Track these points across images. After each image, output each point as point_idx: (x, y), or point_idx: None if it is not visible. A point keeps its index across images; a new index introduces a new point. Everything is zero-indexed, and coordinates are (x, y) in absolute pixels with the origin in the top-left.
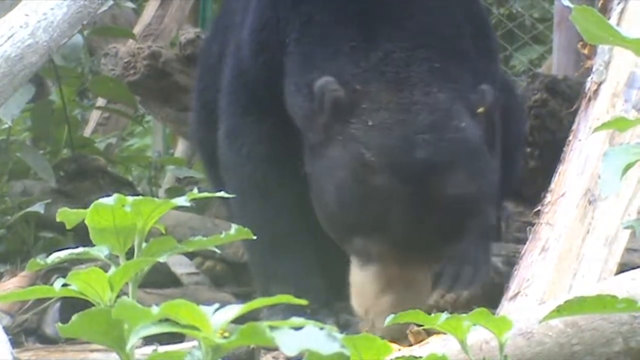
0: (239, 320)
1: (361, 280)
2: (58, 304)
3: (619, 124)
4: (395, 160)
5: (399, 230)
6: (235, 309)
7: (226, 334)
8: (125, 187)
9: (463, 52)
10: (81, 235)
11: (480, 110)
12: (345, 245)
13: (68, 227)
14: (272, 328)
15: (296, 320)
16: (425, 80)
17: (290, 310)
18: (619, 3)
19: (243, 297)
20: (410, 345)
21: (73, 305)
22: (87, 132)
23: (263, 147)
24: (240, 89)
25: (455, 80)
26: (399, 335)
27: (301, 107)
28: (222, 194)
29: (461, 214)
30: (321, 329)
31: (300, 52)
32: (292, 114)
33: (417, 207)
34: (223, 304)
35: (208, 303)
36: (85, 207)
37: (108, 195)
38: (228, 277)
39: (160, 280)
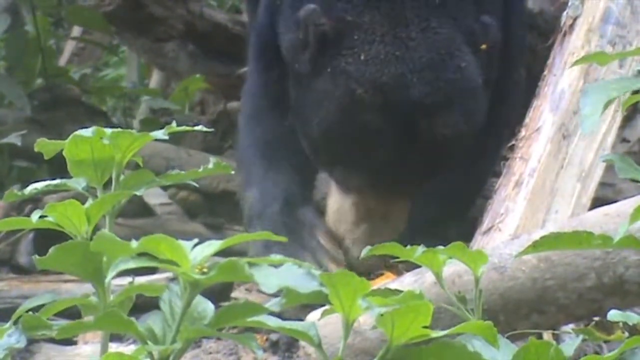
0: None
1: (340, 206)
2: (32, 235)
3: (598, 58)
4: (388, 99)
5: (382, 166)
6: (214, 245)
7: (205, 270)
8: (100, 117)
9: None
10: (55, 165)
11: (484, 46)
12: (326, 171)
13: (46, 157)
14: (251, 265)
15: (275, 257)
16: (423, 16)
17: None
18: None
19: (215, 228)
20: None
21: (47, 236)
22: (62, 62)
23: (270, 90)
24: (255, 37)
25: (455, 14)
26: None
27: (289, 40)
28: (200, 127)
29: (446, 153)
30: (300, 266)
31: None
32: (283, 50)
33: (404, 146)
34: (194, 236)
35: (179, 234)
36: (59, 137)
37: (83, 127)
38: (202, 207)
39: (132, 210)
